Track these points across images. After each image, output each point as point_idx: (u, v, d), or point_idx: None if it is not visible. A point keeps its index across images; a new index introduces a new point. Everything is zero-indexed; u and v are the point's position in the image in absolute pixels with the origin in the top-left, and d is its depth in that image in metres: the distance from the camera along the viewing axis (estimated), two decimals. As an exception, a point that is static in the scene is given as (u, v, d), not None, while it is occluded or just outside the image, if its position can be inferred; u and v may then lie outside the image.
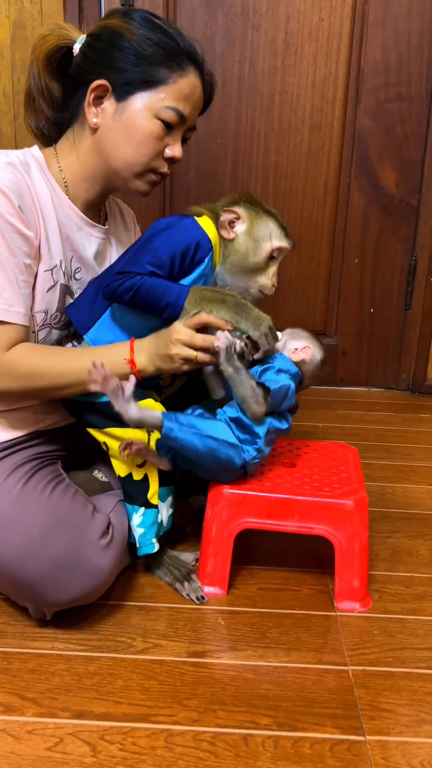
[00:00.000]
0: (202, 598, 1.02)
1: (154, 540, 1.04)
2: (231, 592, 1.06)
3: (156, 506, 1.03)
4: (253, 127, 1.90)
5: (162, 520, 1.05)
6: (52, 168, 1.06)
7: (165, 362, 1.00)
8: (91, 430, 1.06)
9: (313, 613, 1.02)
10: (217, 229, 1.02)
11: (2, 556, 0.92)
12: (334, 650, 0.94)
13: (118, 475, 1.05)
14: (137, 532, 1.03)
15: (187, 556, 1.10)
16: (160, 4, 1.80)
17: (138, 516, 1.03)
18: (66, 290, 1.07)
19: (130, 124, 1.01)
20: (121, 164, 1.04)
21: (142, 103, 1.01)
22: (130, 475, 1.03)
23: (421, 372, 2.05)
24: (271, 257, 1.04)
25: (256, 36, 1.83)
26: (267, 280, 1.05)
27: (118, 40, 1.00)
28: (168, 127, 1.02)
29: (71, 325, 1.09)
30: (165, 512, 1.05)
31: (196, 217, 1.03)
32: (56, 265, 1.04)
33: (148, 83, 1.00)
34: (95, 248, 1.12)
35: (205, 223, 1.02)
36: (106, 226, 1.15)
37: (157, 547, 1.04)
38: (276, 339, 1.04)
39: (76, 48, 1.04)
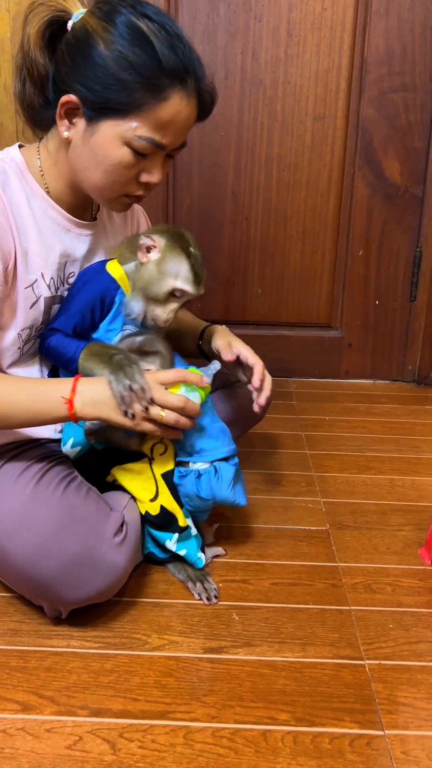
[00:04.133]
0: (215, 598, 1.02)
1: (199, 554, 1.05)
2: (243, 587, 1.06)
3: (186, 527, 1.04)
4: (256, 119, 1.89)
5: (195, 532, 1.06)
6: (33, 170, 1.01)
7: (118, 415, 0.93)
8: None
9: (327, 607, 1.02)
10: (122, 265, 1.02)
11: (17, 555, 0.92)
12: (349, 644, 0.94)
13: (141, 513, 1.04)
14: (180, 552, 1.04)
15: (204, 554, 1.10)
16: (161, -6, 1.78)
17: (172, 542, 1.03)
18: (52, 301, 1.04)
19: (99, 150, 0.93)
20: (90, 188, 0.99)
21: (111, 130, 0.91)
22: (146, 513, 1.03)
23: (427, 363, 2.04)
24: (172, 294, 1.00)
25: (258, 26, 1.82)
26: (162, 313, 1.01)
27: (91, 51, 0.88)
28: (142, 155, 0.93)
29: None
30: (192, 525, 1.06)
31: (108, 263, 1.03)
32: (36, 280, 1.01)
33: (120, 111, 0.90)
34: (86, 247, 1.08)
35: (112, 266, 1.02)
36: (96, 220, 1.11)
37: (204, 560, 1.06)
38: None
39: (70, 25, 0.93)
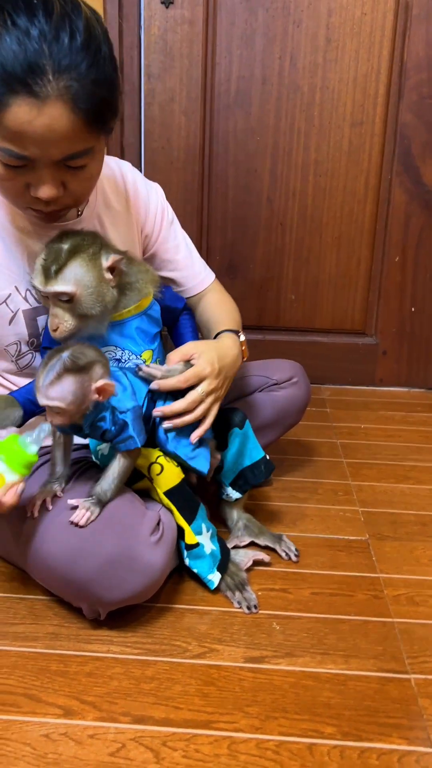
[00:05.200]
0: (255, 608, 1.01)
1: (210, 576, 1.03)
2: (283, 596, 1.05)
3: (197, 544, 1.01)
4: (293, 124, 1.88)
5: (210, 551, 1.03)
6: None
7: None
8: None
9: (370, 619, 1.00)
10: None
11: (54, 556, 0.92)
12: (393, 658, 0.92)
13: None
14: (193, 570, 1.03)
15: (242, 557, 1.09)
16: (200, 0, 1.78)
17: (186, 557, 1.02)
18: (35, 313, 1.00)
19: None
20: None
21: None
22: None
23: (463, 372, 2.01)
24: (44, 297, 0.93)
25: (297, 32, 1.81)
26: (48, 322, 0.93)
27: None
28: (14, 167, 0.82)
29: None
30: (208, 543, 1.03)
31: None
32: (9, 294, 0.98)
33: None
34: None
35: None
36: (80, 215, 1.02)
37: (216, 583, 1.03)
38: None
39: None
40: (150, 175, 1.90)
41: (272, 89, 1.85)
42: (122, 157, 1.89)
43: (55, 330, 0.91)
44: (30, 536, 0.95)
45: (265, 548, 1.15)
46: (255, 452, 1.12)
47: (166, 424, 0.99)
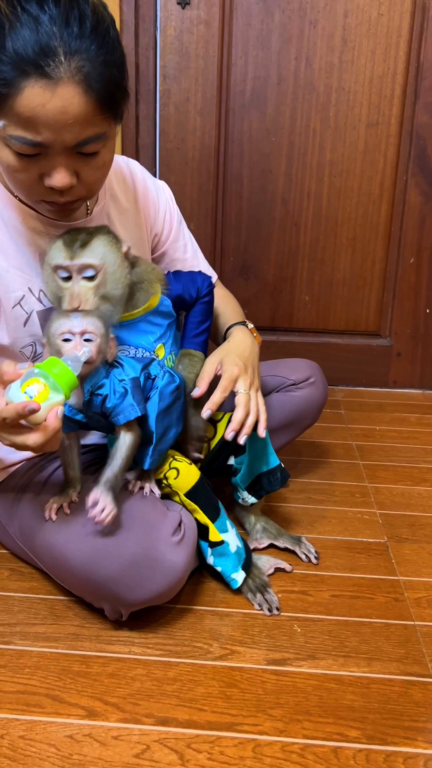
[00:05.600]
0: (277, 610, 1.00)
1: (234, 574, 1.02)
2: (303, 598, 1.04)
3: (221, 541, 1.01)
4: (308, 125, 1.87)
5: (235, 548, 1.02)
6: (2, 180, 0.95)
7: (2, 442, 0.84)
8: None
9: (391, 622, 1.00)
10: None
11: (77, 557, 0.91)
12: (416, 661, 0.92)
13: None
14: (217, 568, 1.02)
15: (264, 563, 1.09)
16: (216, 1, 1.78)
17: (210, 556, 1.02)
18: (48, 314, 0.98)
19: None
20: (13, 191, 0.92)
21: None
22: None
23: None
24: (63, 279, 0.91)
25: (314, 32, 1.81)
26: (65, 303, 0.90)
27: None
28: (28, 155, 0.82)
29: None
30: (233, 540, 1.02)
31: None
32: (23, 296, 0.98)
33: None
34: None
35: None
36: (90, 214, 1.02)
37: (239, 581, 1.02)
38: None
39: None
40: (164, 176, 1.91)
41: (288, 90, 1.85)
42: (137, 156, 1.89)
43: (76, 308, 0.88)
44: (51, 537, 0.94)
45: (285, 550, 1.15)
46: (272, 459, 1.11)
47: (242, 439, 0.99)
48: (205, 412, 1.00)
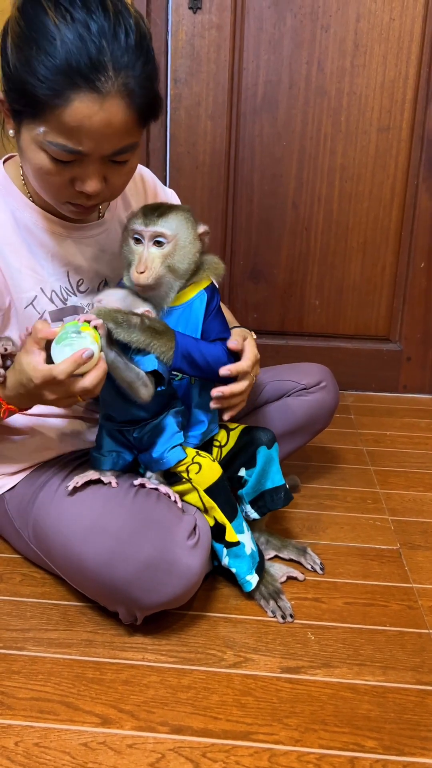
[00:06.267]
0: (291, 617, 1.00)
1: (248, 577, 1.01)
2: (317, 605, 1.04)
3: (237, 542, 1.00)
4: (319, 129, 1.87)
5: (250, 551, 1.02)
6: (17, 181, 0.97)
7: (45, 402, 0.88)
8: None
9: (406, 630, 0.99)
10: None
11: (92, 559, 0.91)
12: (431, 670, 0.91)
13: None
14: (232, 570, 1.02)
15: (277, 570, 1.08)
16: (228, 6, 1.78)
17: (225, 557, 1.01)
18: (61, 314, 1.01)
19: (25, 154, 0.87)
20: (38, 192, 0.93)
21: (28, 134, 0.83)
22: None
23: None
24: (136, 241, 0.95)
25: (325, 37, 1.81)
26: (134, 270, 0.94)
27: (5, 45, 0.81)
28: (63, 161, 0.84)
29: None
30: (249, 543, 1.02)
31: None
32: (36, 296, 0.99)
33: (29, 114, 0.81)
34: (93, 249, 1.04)
35: None
36: (102, 218, 1.05)
37: (254, 584, 1.01)
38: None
39: None
40: (175, 179, 1.91)
41: (299, 94, 1.85)
42: (147, 160, 1.89)
43: (142, 272, 0.92)
44: (66, 539, 0.94)
45: (290, 561, 1.14)
46: (277, 477, 1.09)
47: (214, 405, 0.98)
48: (213, 404, 0.99)
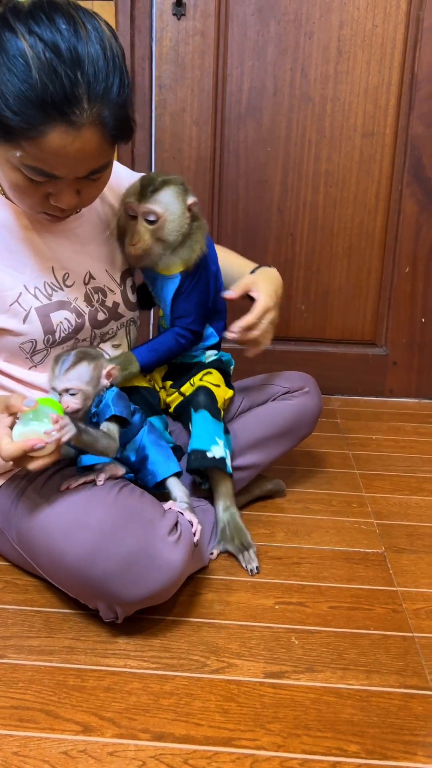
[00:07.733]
0: (257, 569, 1.10)
1: (217, 439, 1.10)
2: (301, 609, 1.03)
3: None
4: (304, 135, 1.88)
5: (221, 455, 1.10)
6: None
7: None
8: None
9: (390, 633, 0.99)
10: None
11: (74, 554, 0.91)
12: (416, 674, 0.91)
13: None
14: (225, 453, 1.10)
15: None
16: (212, 12, 1.79)
17: (220, 440, 1.10)
18: (47, 309, 1.01)
19: (1, 168, 0.89)
20: (13, 201, 0.96)
21: (3, 153, 0.85)
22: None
23: (474, 383, 2.00)
24: (130, 217, 1.06)
25: (309, 43, 1.82)
26: (127, 245, 1.07)
27: None
28: (38, 181, 0.86)
29: (77, 334, 1.05)
30: (220, 449, 1.11)
31: None
32: (20, 294, 0.99)
33: (2, 138, 0.82)
34: (73, 242, 1.05)
35: None
36: (78, 211, 1.05)
37: (213, 452, 1.09)
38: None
39: None
40: (161, 185, 1.90)
41: (284, 100, 1.86)
42: (132, 165, 1.89)
43: (134, 245, 1.04)
44: (48, 534, 0.94)
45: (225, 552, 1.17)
46: (195, 441, 1.11)
47: (233, 335, 1.11)
48: (231, 334, 1.11)
